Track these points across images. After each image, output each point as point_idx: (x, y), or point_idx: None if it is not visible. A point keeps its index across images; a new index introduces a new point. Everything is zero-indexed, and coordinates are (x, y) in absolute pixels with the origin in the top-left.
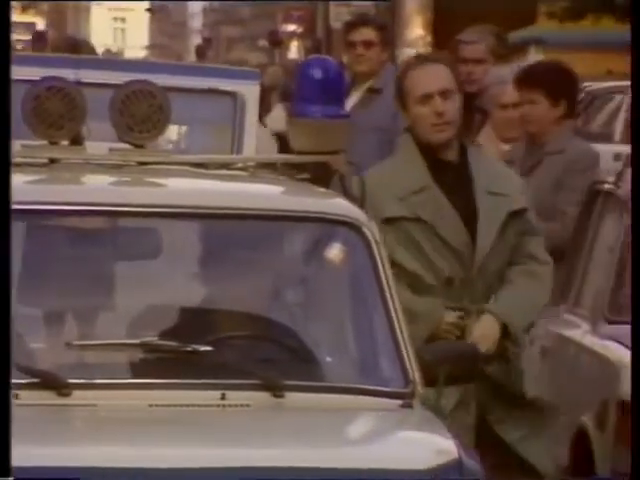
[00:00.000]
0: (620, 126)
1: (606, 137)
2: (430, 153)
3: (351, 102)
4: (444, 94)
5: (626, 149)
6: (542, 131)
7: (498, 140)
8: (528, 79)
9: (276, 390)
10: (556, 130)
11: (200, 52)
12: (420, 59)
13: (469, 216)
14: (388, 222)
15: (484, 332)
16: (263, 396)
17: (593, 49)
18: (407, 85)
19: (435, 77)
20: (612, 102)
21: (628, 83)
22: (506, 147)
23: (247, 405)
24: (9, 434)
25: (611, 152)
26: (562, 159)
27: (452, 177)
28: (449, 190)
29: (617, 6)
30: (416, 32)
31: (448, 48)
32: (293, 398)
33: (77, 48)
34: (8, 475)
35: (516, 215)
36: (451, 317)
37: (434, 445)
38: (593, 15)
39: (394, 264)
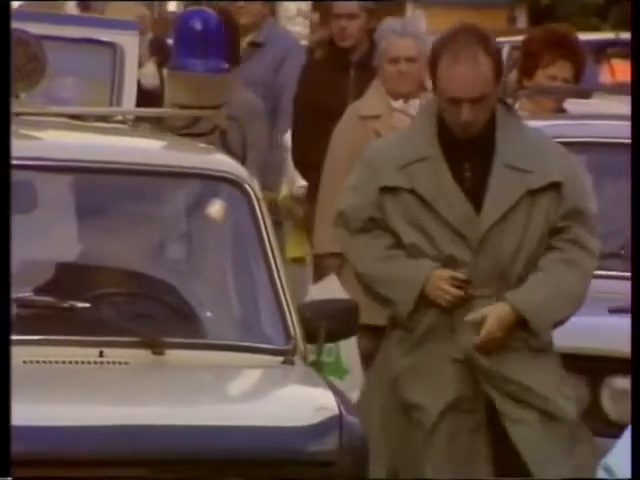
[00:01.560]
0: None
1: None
2: (446, 125)
3: None
4: (477, 100)
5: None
6: None
7: (388, 95)
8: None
9: (155, 347)
10: None
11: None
12: (459, 46)
13: (478, 192)
14: (386, 191)
15: (490, 317)
16: (142, 353)
17: (468, 6)
18: (437, 75)
19: (470, 81)
20: None
21: (503, 39)
22: (397, 102)
23: (125, 362)
24: (9, 434)
25: None
26: None
27: (467, 150)
28: (458, 163)
29: None
30: None
31: (323, 5)
32: (173, 355)
33: None
34: (8, 475)
35: (544, 194)
36: (444, 272)
37: (314, 402)
38: None
39: (394, 234)
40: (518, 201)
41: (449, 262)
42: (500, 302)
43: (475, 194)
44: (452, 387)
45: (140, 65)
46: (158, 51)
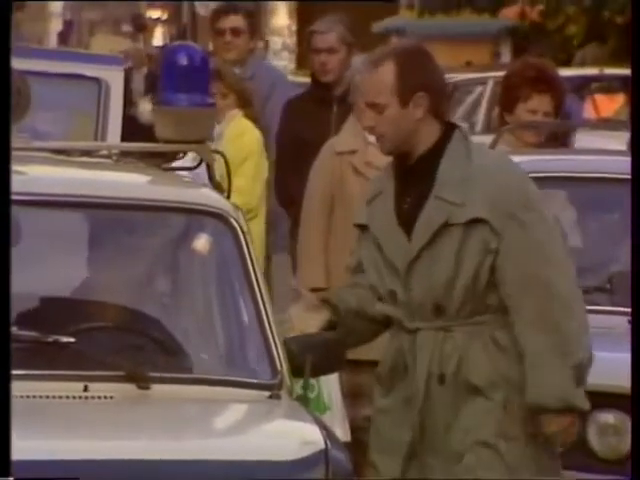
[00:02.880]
0: (481, 117)
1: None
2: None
3: None
4: (375, 107)
5: (487, 139)
6: None
7: (364, 130)
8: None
9: (140, 382)
10: None
11: (62, 36)
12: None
13: (412, 224)
14: (360, 229)
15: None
16: (127, 388)
17: (452, 41)
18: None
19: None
20: (473, 94)
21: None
22: (372, 137)
23: (110, 397)
24: (9, 433)
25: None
26: None
27: (411, 180)
28: (402, 194)
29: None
30: (281, 21)
31: (305, 39)
32: (159, 390)
33: None
34: (8, 475)
35: (478, 226)
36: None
37: (300, 436)
38: (452, 9)
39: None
40: (441, 232)
41: (390, 297)
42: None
43: (409, 226)
44: (404, 444)
45: (133, 99)
46: (153, 86)
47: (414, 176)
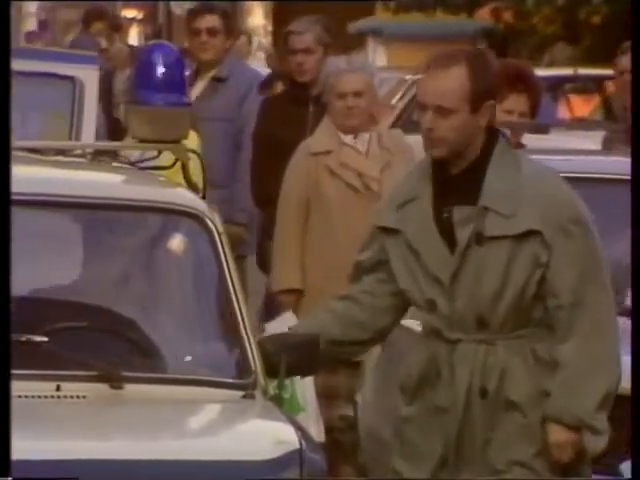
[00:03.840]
0: None
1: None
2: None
3: (196, 91)
4: (440, 110)
5: None
6: None
7: (338, 130)
8: None
9: (114, 381)
10: None
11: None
12: (440, 58)
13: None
14: (385, 231)
15: (554, 442)
16: (100, 387)
17: (429, 41)
18: (418, 86)
19: (435, 88)
20: None
21: None
22: (347, 137)
23: (83, 397)
24: (9, 433)
25: None
26: None
27: (454, 188)
28: (444, 202)
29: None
30: (257, 21)
31: (281, 39)
32: (132, 390)
33: None
34: (8, 475)
35: (529, 238)
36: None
37: (275, 436)
38: (428, 8)
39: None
40: (493, 245)
41: (429, 306)
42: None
43: (453, 235)
44: (436, 455)
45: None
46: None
47: (458, 183)
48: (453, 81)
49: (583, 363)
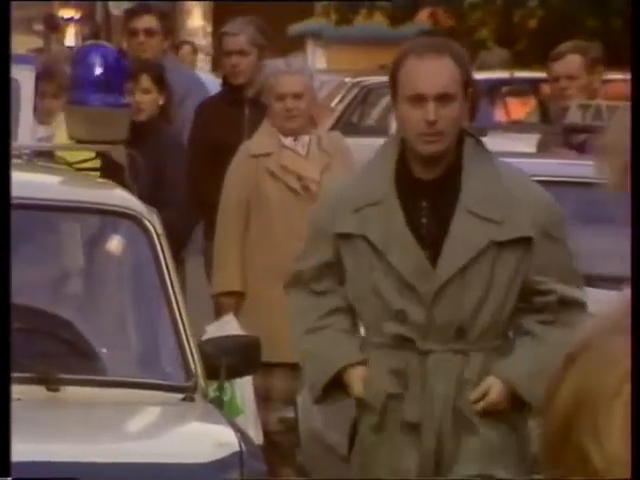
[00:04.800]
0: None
1: (381, 131)
2: (407, 164)
3: None
4: (442, 98)
5: None
6: None
7: (278, 133)
8: None
9: (50, 384)
10: None
11: None
12: (425, 46)
13: (435, 240)
14: (341, 237)
15: (492, 392)
16: (36, 390)
17: (368, 44)
18: (400, 77)
19: (435, 76)
20: (386, 97)
21: None
22: (287, 140)
23: (18, 399)
24: (9, 433)
25: None
26: None
27: (428, 191)
28: (415, 205)
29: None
30: (196, 22)
31: (216, 41)
32: (69, 392)
33: None
34: (8, 475)
35: (512, 246)
36: (359, 372)
37: (214, 438)
38: (366, 11)
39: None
40: (480, 253)
41: (399, 318)
42: (491, 376)
43: (432, 242)
44: (413, 469)
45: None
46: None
47: (433, 186)
48: (449, 67)
49: (557, 351)
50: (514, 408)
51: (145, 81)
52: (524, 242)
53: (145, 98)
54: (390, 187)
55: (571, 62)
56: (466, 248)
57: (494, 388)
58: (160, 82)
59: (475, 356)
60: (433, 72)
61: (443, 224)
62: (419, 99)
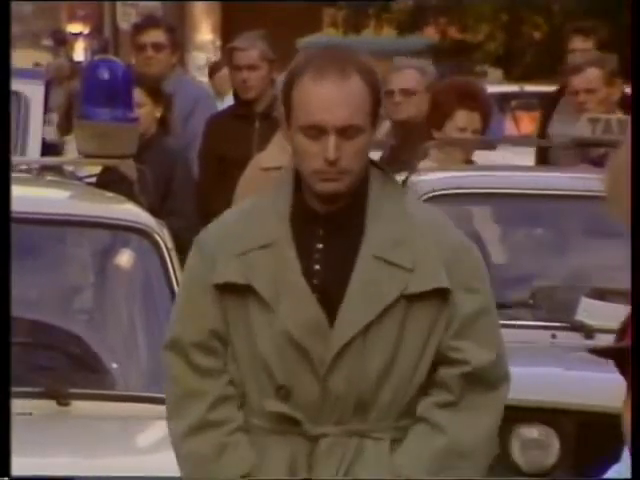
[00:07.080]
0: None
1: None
2: (303, 197)
3: None
4: (346, 131)
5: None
6: None
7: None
8: None
9: (60, 398)
10: None
11: None
12: (326, 61)
13: (333, 291)
14: (224, 291)
15: None
16: (47, 404)
17: (375, 57)
18: (294, 100)
19: (338, 104)
20: None
21: None
22: None
23: (29, 413)
24: (9, 434)
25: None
26: None
27: (327, 231)
28: (312, 249)
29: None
30: (205, 36)
31: (226, 56)
32: (79, 407)
33: None
34: (8, 475)
35: (424, 299)
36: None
37: None
38: (374, 24)
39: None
40: (387, 308)
41: (281, 393)
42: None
43: (329, 294)
44: None
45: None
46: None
47: (332, 225)
48: (357, 91)
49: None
50: None
51: (137, 95)
52: (439, 295)
53: (139, 112)
54: (284, 226)
55: (590, 75)
56: (371, 301)
57: None
58: (154, 94)
59: (374, 442)
60: (336, 98)
61: (344, 271)
62: (317, 130)
